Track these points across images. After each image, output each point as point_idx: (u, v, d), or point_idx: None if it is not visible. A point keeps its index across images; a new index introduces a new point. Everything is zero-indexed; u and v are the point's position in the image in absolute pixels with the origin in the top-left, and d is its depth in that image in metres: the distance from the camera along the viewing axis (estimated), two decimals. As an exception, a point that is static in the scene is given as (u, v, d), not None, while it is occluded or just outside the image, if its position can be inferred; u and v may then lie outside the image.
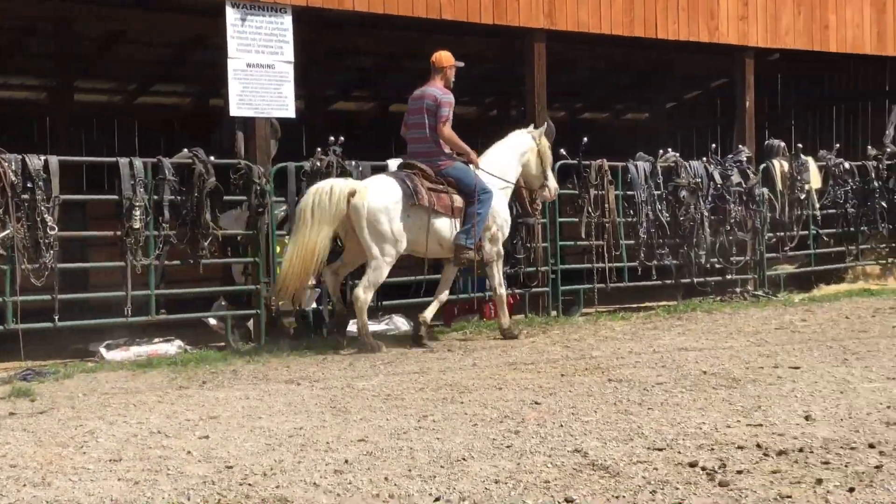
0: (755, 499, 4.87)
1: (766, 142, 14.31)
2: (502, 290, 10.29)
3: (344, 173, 10.26)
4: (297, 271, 9.20)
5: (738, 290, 13.14)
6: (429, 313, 9.95)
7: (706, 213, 12.61)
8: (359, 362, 8.99)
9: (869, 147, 15.07)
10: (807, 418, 6.42)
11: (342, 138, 10.48)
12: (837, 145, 15.42)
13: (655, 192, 12.36)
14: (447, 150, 9.80)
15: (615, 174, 12.20)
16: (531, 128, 10.88)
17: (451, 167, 9.76)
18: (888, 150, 14.62)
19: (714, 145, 15.19)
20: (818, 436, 5.99)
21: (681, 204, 12.47)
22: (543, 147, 10.59)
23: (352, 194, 9.29)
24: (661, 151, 12.75)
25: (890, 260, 14.81)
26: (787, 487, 5.03)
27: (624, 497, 4.93)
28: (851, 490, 4.95)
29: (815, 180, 13.68)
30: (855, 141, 18.91)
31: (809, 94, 20.97)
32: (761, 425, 6.29)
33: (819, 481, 5.09)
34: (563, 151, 11.89)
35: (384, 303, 10.85)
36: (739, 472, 5.28)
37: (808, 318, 11.22)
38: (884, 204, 14.31)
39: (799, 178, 13.46)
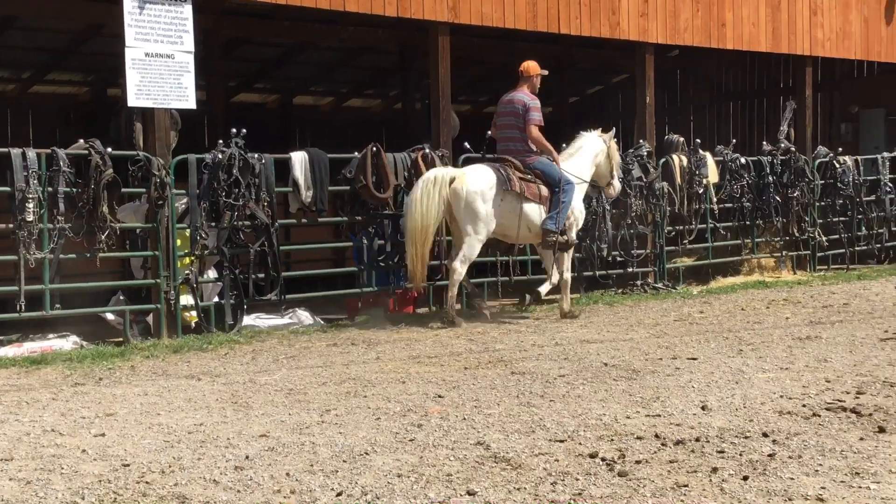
0: (653, 488, 4.95)
1: (666, 137, 14.55)
2: (568, 276, 11.30)
3: (246, 166, 10.14)
4: (418, 254, 10.38)
5: (638, 282, 13.35)
6: (566, 302, 11.20)
7: (608, 208, 12.76)
8: (261, 356, 8.89)
9: (764, 142, 15.46)
10: (703, 408, 6.56)
11: (244, 130, 10.33)
12: (734, 140, 15.78)
13: (558, 186, 12.46)
14: (534, 148, 10.89)
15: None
16: (600, 131, 11.76)
17: (538, 161, 10.86)
18: (782, 145, 14.99)
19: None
20: (714, 425, 6.12)
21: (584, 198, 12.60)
22: (612, 150, 11.68)
23: (452, 180, 10.41)
24: (563, 146, 12.86)
25: (784, 253, 15.21)
26: (684, 476, 5.12)
27: (525, 489, 4.96)
28: (745, 478, 5.07)
29: (712, 175, 13.95)
30: (751, 136, 19.42)
31: (707, 90, 21.44)
32: (660, 416, 6.40)
33: (714, 470, 5.20)
34: (466, 145, 11.92)
35: (288, 296, 10.75)
36: (638, 462, 5.36)
37: (705, 310, 11.45)
38: (778, 198, 14.68)
39: (697, 172, 13.71)
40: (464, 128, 13.23)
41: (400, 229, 11.18)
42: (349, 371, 8.08)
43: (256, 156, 10.34)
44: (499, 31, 13.32)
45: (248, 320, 10.49)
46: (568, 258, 11.22)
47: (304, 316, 11.14)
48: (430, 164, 11.40)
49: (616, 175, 11.88)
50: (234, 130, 10.32)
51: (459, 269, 10.52)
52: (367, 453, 5.57)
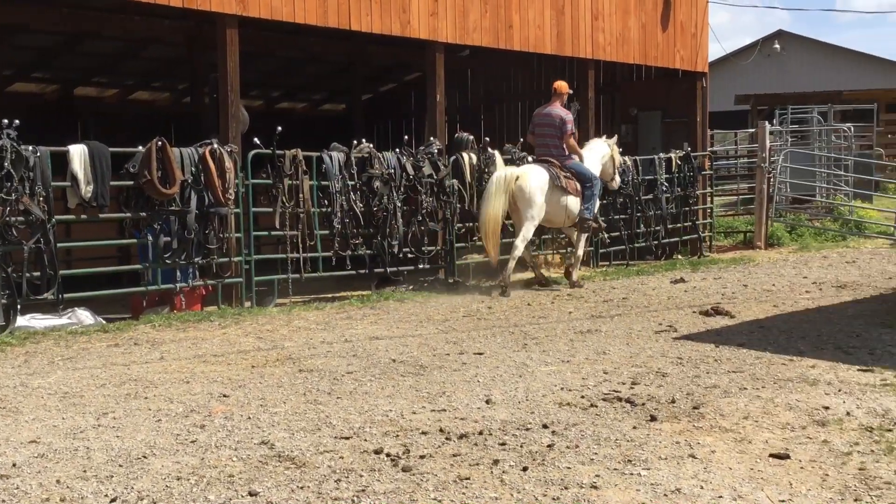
0: (436, 482, 5.01)
1: (456, 135, 14.77)
2: (582, 252, 14.05)
3: (19, 158, 9.62)
4: (489, 232, 12.73)
5: (429, 279, 13.49)
6: (575, 274, 13.64)
7: (399, 204, 12.84)
8: (35, 359, 8.46)
9: (550, 142, 15.91)
10: (487, 402, 6.68)
11: (17, 121, 9.79)
12: (522, 139, 16.17)
13: (350, 183, 12.45)
14: (567, 151, 13.30)
15: (310, 164, 12.18)
16: (605, 138, 14.60)
17: (572, 163, 13.36)
18: (567, 145, 15.48)
19: (407, 137, 15.56)
20: (497, 418, 6.25)
21: (374, 194, 12.63)
22: (615, 152, 14.44)
23: (516, 178, 12.78)
24: (354, 142, 12.86)
25: (569, 249, 15.70)
26: (467, 469, 5.20)
27: (308, 487, 4.92)
28: (525, 469, 5.20)
29: (501, 173, 14.24)
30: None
31: (497, 90, 21.92)
32: (445, 410, 6.48)
33: (496, 462, 5.31)
34: (256, 141, 11.73)
35: (67, 295, 10.27)
36: (422, 457, 5.41)
37: (493, 305, 11.69)
38: (563, 196, 15.15)
39: (486, 170, 13.97)
40: (256, 123, 13.04)
41: (186, 226, 10.91)
42: (130, 372, 7.80)
43: (31, 148, 9.83)
44: (290, 26, 13.18)
45: (22, 321, 9.95)
46: (584, 238, 13.94)
47: (85, 316, 10.66)
48: (219, 160, 11.17)
49: (617, 172, 14.65)
50: (5, 121, 9.77)
51: (520, 246, 12.87)
52: (145, 456, 5.39)
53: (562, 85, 13.69)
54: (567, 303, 11.85)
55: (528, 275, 14.45)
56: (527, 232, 12.94)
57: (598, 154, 14.05)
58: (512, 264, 12.78)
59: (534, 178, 12.91)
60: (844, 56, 42.09)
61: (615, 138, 14.55)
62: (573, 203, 13.27)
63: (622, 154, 16.28)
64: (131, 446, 5.59)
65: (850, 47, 45.88)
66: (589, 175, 13.42)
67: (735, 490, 4.91)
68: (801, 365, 7.92)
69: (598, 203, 13.87)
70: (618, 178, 14.82)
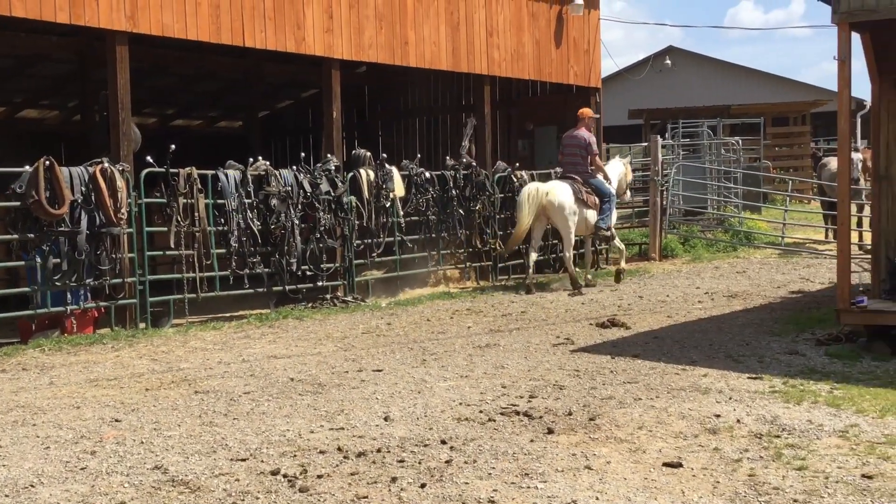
0: (333, 502, 4.98)
1: (354, 151, 14.73)
2: (622, 245, 16.16)
3: None
4: (516, 237, 14.89)
5: (328, 296, 13.40)
6: (589, 271, 15.81)
7: (297, 222, 12.75)
8: (-82, 388, 8.16)
9: (448, 157, 15.99)
10: (386, 419, 6.67)
11: None
12: (419, 155, 16.25)
13: (246, 201, 12.32)
14: (590, 169, 15.08)
15: (205, 182, 12.02)
16: (619, 157, 17.19)
17: (594, 180, 15.12)
18: (464, 160, 15.58)
19: (304, 154, 15.47)
20: (395, 435, 6.24)
21: (272, 212, 12.52)
22: (627, 170, 16.57)
23: (547, 193, 14.54)
24: (251, 160, 12.74)
25: (468, 264, 15.81)
26: (364, 488, 5.18)
27: (203, 512, 4.84)
28: (423, 486, 5.20)
29: (398, 189, 14.27)
30: (436, 151, 20.07)
31: (394, 106, 21.97)
32: (343, 429, 6.45)
33: (394, 479, 5.30)
34: (149, 159, 11.53)
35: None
36: (320, 477, 5.38)
37: (392, 321, 11.68)
38: (461, 211, 15.26)
39: (384, 186, 13.98)
40: (150, 141, 12.81)
41: (77, 247, 10.65)
42: (18, 398, 7.57)
43: None
44: (184, 43, 13.00)
45: None
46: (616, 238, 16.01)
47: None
48: (110, 179, 10.94)
49: (628, 187, 16.90)
50: None
51: (568, 255, 14.78)
52: (32, 485, 5.24)
53: (585, 111, 15.45)
54: (466, 318, 11.90)
55: (430, 290, 14.53)
56: (568, 242, 14.84)
57: (616, 172, 15.93)
58: (571, 268, 14.77)
59: (561, 192, 14.72)
60: (733, 71, 43.26)
61: (628, 158, 16.98)
62: (591, 215, 14.98)
63: (519, 168, 16.50)
64: (18, 475, 5.42)
65: (738, 63, 47.24)
66: (607, 191, 15.18)
67: (629, 500, 4.99)
68: (693, 374, 8.10)
69: (614, 215, 15.70)
70: (629, 193, 17.18)
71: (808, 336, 9.79)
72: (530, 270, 14.85)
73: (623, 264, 15.86)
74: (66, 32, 14.65)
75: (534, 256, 14.99)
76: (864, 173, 18.90)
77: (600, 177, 15.27)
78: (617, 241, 16.03)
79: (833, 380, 7.77)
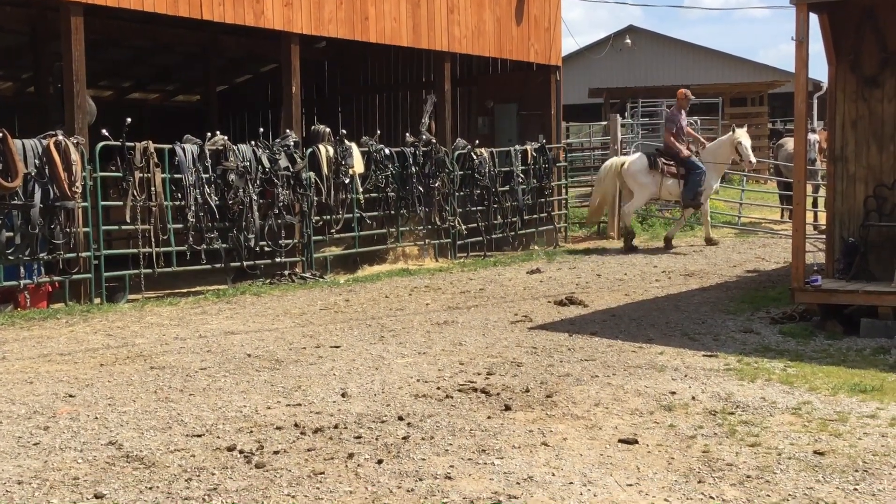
0: (290, 478, 4.96)
1: (313, 127, 14.63)
2: (708, 214, 17.63)
3: None
4: (595, 207, 17.99)
5: (286, 272, 13.34)
6: (672, 233, 17.43)
7: (255, 197, 12.66)
8: None
9: (407, 134, 15.92)
10: (343, 395, 6.66)
11: None
12: (379, 132, 16.16)
13: (204, 176, 12.20)
14: (682, 146, 16.79)
15: (162, 157, 11.89)
16: (734, 130, 17.10)
17: (686, 154, 16.66)
18: (424, 137, 15.52)
19: (263, 129, 15.35)
20: (353, 412, 6.23)
21: (230, 188, 12.42)
22: (740, 137, 16.62)
23: (622, 164, 17.14)
24: (209, 134, 12.61)
25: (427, 241, 15.78)
26: (321, 464, 5.17)
27: (158, 487, 4.81)
28: (380, 462, 5.19)
29: (358, 165, 14.20)
30: (395, 128, 20.00)
31: (354, 82, 21.84)
32: (300, 405, 6.43)
33: (351, 456, 5.29)
34: (104, 132, 11.38)
35: None
36: (276, 453, 5.36)
37: (351, 298, 11.65)
38: (421, 188, 15.21)
39: (343, 162, 13.91)
40: (106, 114, 12.64)
41: (30, 221, 10.50)
42: (-30, 374, 7.48)
43: None
44: (140, 14, 12.82)
45: None
46: (704, 210, 17.26)
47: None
48: (64, 152, 10.79)
49: (743, 155, 16.52)
50: None
51: (627, 211, 17.11)
52: (-16, 462, 5.17)
53: (679, 92, 17.43)
54: (425, 295, 11.89)
55: (389, 267, 14.54)
56: (635, 203, 17.08)
57: (717, 145, 17.12)
58: (628, 221, 17.08)
59: (634, 163, 16.96)
60: (692, 51, 43.42)
61: (744, 128, 17.43)
62: (671, 184, 16.67)
63: (479, 146, 16.47)
64: (-31, 451, 5.36)
65: (697, 43, 47.41)
66: (693, 163, 16.53)
67: (585, 476, 5.02)
68: (650, 352, 8.16)
69: (701, 187, 16.50)
70: (752, 157, 16.74)
71: (762, 315, 9.89)
72: (627, 223, 17.06)
73: (709, 232, 17.26)
74: (19, 3, 14.40)
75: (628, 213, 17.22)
76: (820, 154, 19.10)
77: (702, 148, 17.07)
78: (705, 209, 17.20)
79: (787, 358, 7.87)
